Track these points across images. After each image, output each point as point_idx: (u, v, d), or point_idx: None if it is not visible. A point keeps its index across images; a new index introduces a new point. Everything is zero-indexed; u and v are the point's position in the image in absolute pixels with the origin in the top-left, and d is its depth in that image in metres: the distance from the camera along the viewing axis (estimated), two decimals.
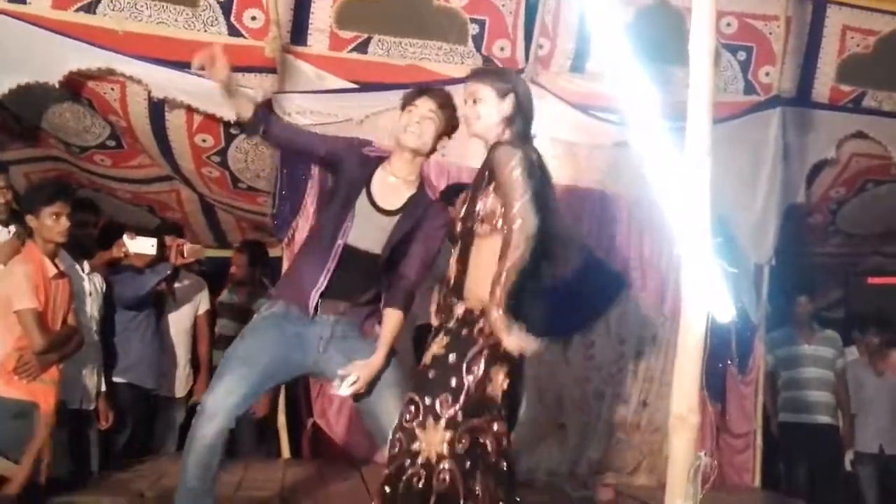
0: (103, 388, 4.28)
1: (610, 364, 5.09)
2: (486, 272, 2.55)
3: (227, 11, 4.49)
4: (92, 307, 4.18)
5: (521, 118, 2.74)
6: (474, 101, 2.75)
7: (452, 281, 2.69)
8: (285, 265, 4.81)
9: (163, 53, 4.38)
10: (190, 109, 4.59)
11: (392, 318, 2.93)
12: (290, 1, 4.57)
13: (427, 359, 2.65)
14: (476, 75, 2.83)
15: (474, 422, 2.53)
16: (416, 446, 2.51)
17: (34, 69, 4.22)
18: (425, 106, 2.90)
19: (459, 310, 2.63)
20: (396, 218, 2.92)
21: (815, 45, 5.10)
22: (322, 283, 2.87)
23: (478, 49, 4.83)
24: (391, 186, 2.95)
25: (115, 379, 4.52)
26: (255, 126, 2.92)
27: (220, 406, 2.76)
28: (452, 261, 2.72)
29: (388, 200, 2.94)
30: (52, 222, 3.62)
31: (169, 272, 4.59)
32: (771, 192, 5.03)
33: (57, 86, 4.26)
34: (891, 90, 5.20)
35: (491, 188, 2.64)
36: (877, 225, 6.09)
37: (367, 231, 2.91)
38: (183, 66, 4.40)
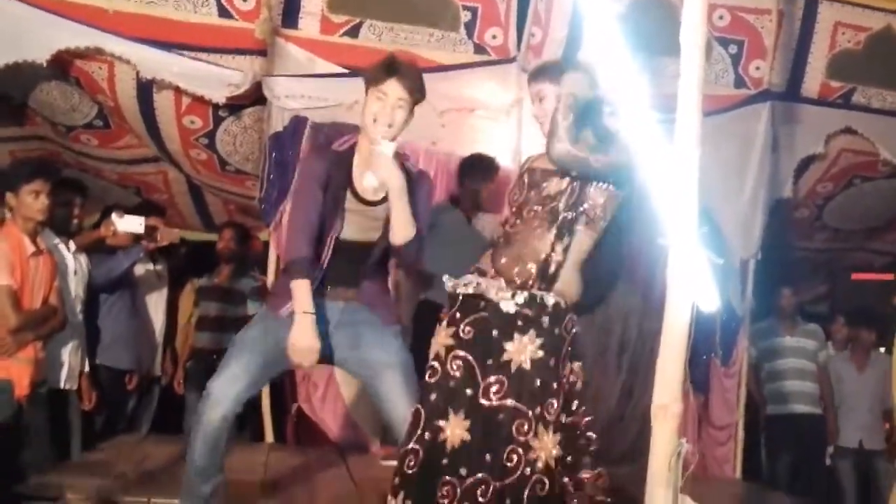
0: (86, 368, 4.26)
1: (595, 356, 5.09)
2: (577, 267, 2.67)
3: None
4: (77, 287, 4.15)
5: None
6: (540, 101, 2.77)
7: (544, 267, 2.66)
8: (272, 249, 4.82)
9: (152, 34, 4.35)
10: (178, 91, 4.56)
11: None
12: None
13: (524, 361, 2.60)
14: (536, 75, 2.81)
15: (573, 419, 2.64)
16: (532, 455, 2.54)
17: (22, 47, 4.16)
18: (395, 94, 2.77)
19: (549, 301, 2.63)
20: (385, 205, 2.89)
21: (806, 41, 5.11)
22: (315, 280, 2.82)
23: (469, 36, 4.81)
24: (370, 180, 2.91)
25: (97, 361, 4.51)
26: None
27: (224, 393, 2.78)
28: (547, 245, 2.68)
29: (372, 192, 2.90)
30: (32, 200, 3.60)
31: (141, 255, 4.56)
32: (758, 186, 5.03)
33: (45, 64, 4.22)
34: (880, 87, 5.21)
35: (601, 187, 2.71)
36: (863, 221, 6.12)
37: (361, 226, 2.89)
38: (172, 46, 4.38)
